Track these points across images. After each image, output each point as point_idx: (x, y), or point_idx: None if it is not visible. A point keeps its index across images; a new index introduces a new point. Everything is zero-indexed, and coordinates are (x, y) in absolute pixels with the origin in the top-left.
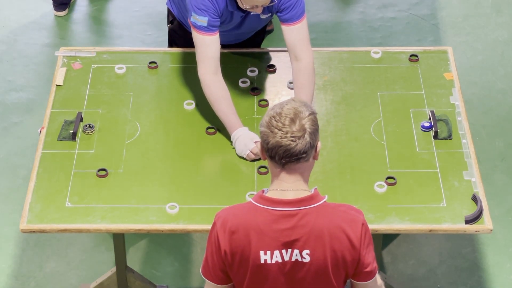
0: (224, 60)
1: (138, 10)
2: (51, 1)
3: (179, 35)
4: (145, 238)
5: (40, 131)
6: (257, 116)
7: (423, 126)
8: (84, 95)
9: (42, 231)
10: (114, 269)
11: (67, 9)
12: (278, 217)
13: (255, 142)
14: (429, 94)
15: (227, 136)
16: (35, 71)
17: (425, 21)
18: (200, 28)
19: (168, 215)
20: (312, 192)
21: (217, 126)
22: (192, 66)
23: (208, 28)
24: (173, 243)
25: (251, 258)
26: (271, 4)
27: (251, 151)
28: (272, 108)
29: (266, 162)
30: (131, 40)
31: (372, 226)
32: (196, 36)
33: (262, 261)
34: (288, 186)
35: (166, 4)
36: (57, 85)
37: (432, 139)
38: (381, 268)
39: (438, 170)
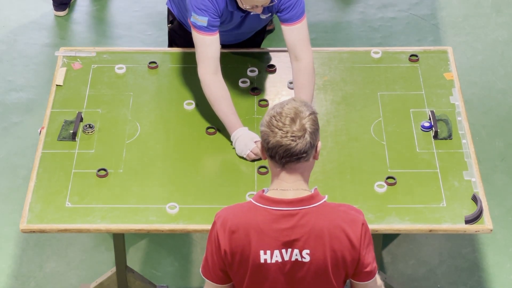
0: (224, 60)
1: (138, 10)
2: (51, 1)
3: (179, 35)
4: (145, 238)
5: (40, 131)
6: (257, 116)
7: (423, 126)
8: (84, 95)
9: (42, 231)
10: (114, 269)
11: (67, 9)
12: (278, 216)
13: (255, 142)
14: (429, 94)
15: (227, 136)
16: (35, 71)
17: (425, 21)
18: (200, 28)
19: (168, 215)
20: (312, 192)
21: (217, 126)
22: (192, 66)
23: (208, 28)
24: (173, 243)
25: (251, 257)
26: (271, 4)
27: (251, 151)
28: (273, 107)
29: (266, 162)
30: (131, 40)
31: (372, 226)
32: (196, 36)
33: (262, 261)
34: (288, 186)
35: (166, 4)
36: (57, 85)
37: (432, 139)
38: (381, 268)
39: (438, 170)
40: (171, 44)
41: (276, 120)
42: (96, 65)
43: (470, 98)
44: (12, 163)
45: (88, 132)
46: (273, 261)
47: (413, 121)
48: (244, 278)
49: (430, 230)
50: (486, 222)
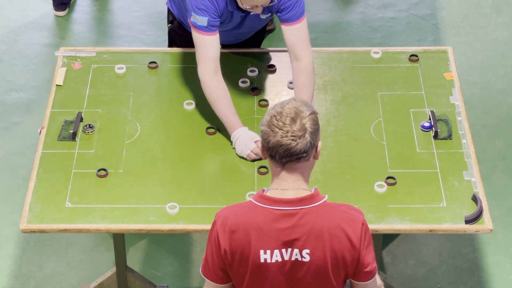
0: (224, 60)
1: (138, 10)
2: (51, 1)
3: (179, 35)
4: (145, 238)
5: (40, 131)
6: (257, 116)
7: (423, 126)
8: (84, 95)
9: (42, 231)
10: (114, 269)
11: (67, 9)
12: (278, 216)
13: (256, 141)
14: (429, 94)
15: (227, 136)
16: (35, 71)
17: (425, 21)
18: (200, 28)
19: (168, 215)
20: (313, 191)
21: (217, 126)
22: (192, 66)
23: (208, 28)
24: (173, 243)
25: (251, 257)
26: (271, 4)
27: (252, 151)
28: (273, 107)
29: (266, 162)
30: (131, 40)
31: (372, 226)
32: (196, 36)
33: (262, 260)
34: (288, 186)
35: (166, 4)
36: (57, 85)
37: (432, 139)
38: (381, 268)
39: (438, 170)
40: (171, 44)
41: (276, 120)
42: (96, 65)
43: (470, 98)
44: (12, 163)
45: (88, 132)
46: (273, 260)
47: (413, 121)
48: (244, 277)
49: (430, 230)
50: (486, 222)
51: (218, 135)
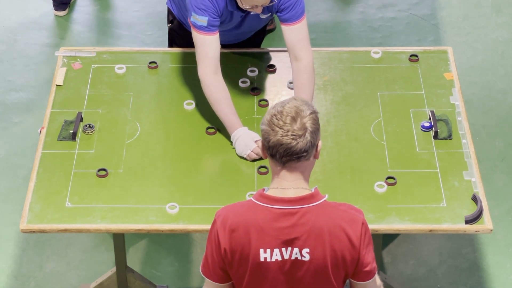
0: (224, 60)
1: (138, 10)
2: (51, 1)
3: (179, 34)
4: (145, 238)
5: (40, 131)
6: (257, 116)
7: (423, 126)
8: (84, 95)
9: (42, 231)
10: (114, 269)
11: (67, 9)
12: (278, 215)
13: (256, 141)
14: (429, 94)
15: (227, 136)
16: (35, 71)
17: (425, 21)
18: (200, 27)
19: (168, 215)
20: (313, 191)
21: (217, 126)
22: (192, 66)
23: (208, 28)
24: (173, 243)
25: (251, 256)
26: (270, 4)
27: (252, 151)
28: (274, 106)
29: (266, 162)
30: (131, 40)
31: (372, 226)
32: (196, 36)
33: (262, 259)
34: (288, 185)
35: (166, 3)
36: (57, 85)
37: (432, 139)
38: (381, 268)
39: (438, 170)
40: (171, 44)
41: (277, 119)
42: (96, 65)
43: (470, 98)
44: (12, 163)
45: (88, 132)
46: (273, 259)
47: (413, 121)
48: (243, 276)
49: (430, 230)
50: (486, 222)
51: (218, 135)
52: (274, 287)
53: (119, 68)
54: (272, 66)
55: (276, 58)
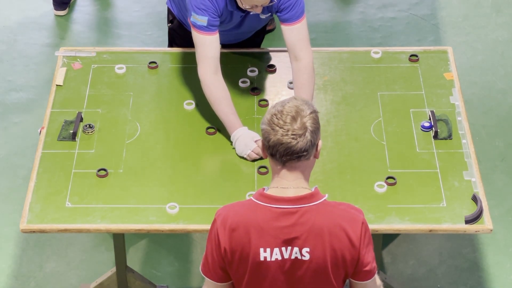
0: (224, 60)
1: (138, 10)
2: (51, 1)
3: (179, 34)
4: (145, 238)
5: (40, 131)
6: (257, 116)
7: (423, 126)
8: (84, 95)
9: (42, 231)
10: (114, 269)
11: (67, 9)
12: (278, 214)
13: (256, 141)
14: (429, 94)
15: (227, 136)
16: (35, 71)
17: (425, 21)
18: (200, 27)
19: (168, 215)
20: (313, 190)
21: (217, 126)
22: (192, 66)
23: (208, 28)
24: (173, 243)
25: (250, 255)
26: (270, 4)
27: (252, 151)
28: (274, 106)
29: (266, 162)
30: (131, 40)
31: (372, 226)
32: (196, 35)
33: (261, 259)
34: (288, 184)
35: (166, 3)
36: (57, 85)
37: (432, 139)
38: (381, 268)
39: (438, 170)
40: (171, 44)
41: (277, 118)
42: (96, 65)
43: (470, 98)
44: (12, 163)
45: (88, 132)
46: (273, 259)
47: (413, 121)
48: (243, 276)
49: (430, 230)
50: (486, 222)
51: (218, 135)
52: (274, 286)
53: (119, 68)
54: (272, 66)
55: (276, 58)
